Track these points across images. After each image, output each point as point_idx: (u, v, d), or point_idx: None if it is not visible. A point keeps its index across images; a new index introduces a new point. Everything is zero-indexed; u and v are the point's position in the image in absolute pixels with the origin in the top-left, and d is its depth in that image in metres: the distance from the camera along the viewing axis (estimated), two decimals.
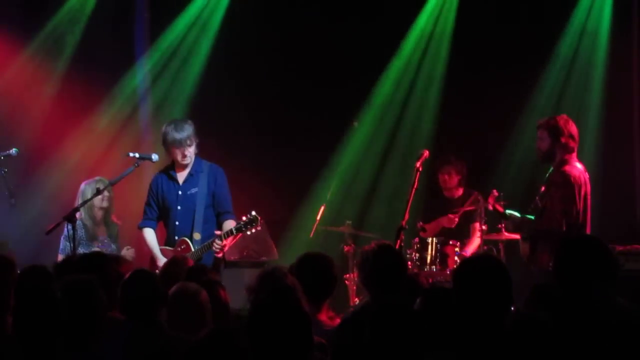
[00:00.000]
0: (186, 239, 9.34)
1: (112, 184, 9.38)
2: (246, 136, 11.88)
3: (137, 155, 9.23)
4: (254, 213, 9.10)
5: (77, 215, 9.17)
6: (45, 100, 11.59)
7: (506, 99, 11.24)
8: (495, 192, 9.46)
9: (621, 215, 10.85)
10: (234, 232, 9.14)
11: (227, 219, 9.40)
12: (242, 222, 9.12)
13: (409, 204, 8.99)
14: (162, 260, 9.19)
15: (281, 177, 11.88)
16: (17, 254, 8.57)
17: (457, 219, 10.68)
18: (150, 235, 9.50)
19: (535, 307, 5.72)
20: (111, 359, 5.30)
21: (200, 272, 6.79)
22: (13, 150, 9.76)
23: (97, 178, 9.63)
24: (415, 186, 9.13)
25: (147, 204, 9.59)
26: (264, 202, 11.41)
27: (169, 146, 9.42)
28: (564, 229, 8.56)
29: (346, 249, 10.89)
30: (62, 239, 9.43)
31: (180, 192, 9.45)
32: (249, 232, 9.16)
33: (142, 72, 12.07)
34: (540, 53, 11.41)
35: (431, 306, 5.12)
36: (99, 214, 9.66)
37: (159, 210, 9.54)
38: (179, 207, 9.43)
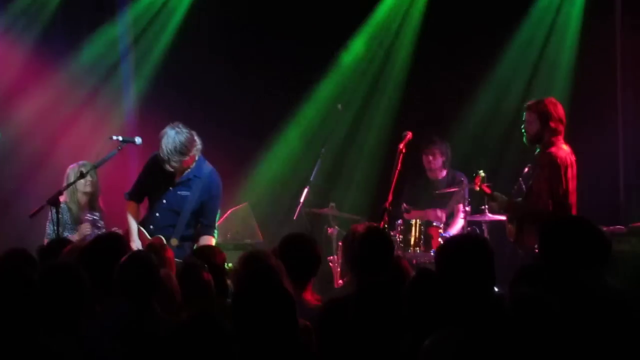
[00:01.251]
0: (163, 238, 8.84)
1: (94, 167, 9.33)
2: (227, 121, 11.87)
3: (120, 138, 9.14)
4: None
5: (62, 199, 9.13)
6: (24, 80, 11.51)
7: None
8: (481, 173, 9.48)
9: (605, 197, 10.89)
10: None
11: (205, 233, 9.01)
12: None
13: (393, 185, 9.02)
14: (135, 242, 8.95)
15: (264, 159, 11.89)
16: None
17: (444, 217, 10.70)
18: (133, 209, 9.19)
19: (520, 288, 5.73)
20: (104, 340, 5.27)
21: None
22: None
23: (81, 162, 9.58)
24: (399, 168, 9.16)
25: (138, 178, 9.29)
26: (246, 184, 11.47)
27: (169, 161, 8.87)
28: (551, 209, 8.58)
29: (330, 230, 10.90)
30: (47, 223, 9.37)
31: (171, 188, 9.06)
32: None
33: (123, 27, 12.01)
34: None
35: (419, 288, 5.14)
36: (82, 198, 9.61)
37: (147, 190, 9.20)
38: (164, 201, 9.08)
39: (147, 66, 12.03)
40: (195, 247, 8.73)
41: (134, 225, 9.14)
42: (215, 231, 9.08)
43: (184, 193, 9.02)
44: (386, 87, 12.04)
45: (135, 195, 9.26)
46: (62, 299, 5.17)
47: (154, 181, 9.14)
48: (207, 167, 9.13)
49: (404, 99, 11.91)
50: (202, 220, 9.02)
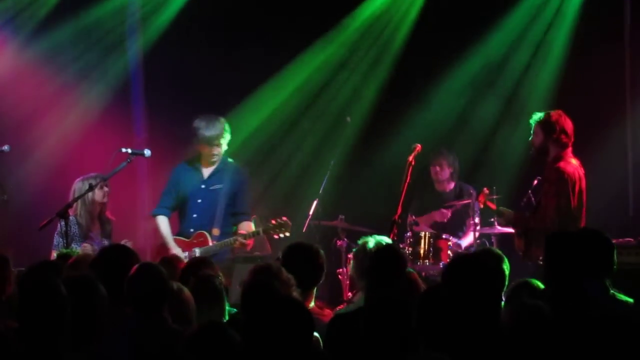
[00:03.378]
0: (205, 232, 9.51)
1: (105, 179, 9.35)
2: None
3: (129, 150, 9.23)
4: (285, 219, 9.31)
5: (71, 211, 9.14)
6: (34, 92, 11.53)
7: None
8: (485, 190, 9.51)
9: (614, 209, 10.86)
10: (261, 234, 9.35)
11: (243, 220, 9.61)
12: (270, 225, 9.31)
13: (402, 198, 9.04)
14: (175, 249, 9.40)
15: (273, 172, 11.89)
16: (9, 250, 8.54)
17: (449, 214, 10.70)
18: (164, 223, 9.69)
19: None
20: (116, 353, 5.27)
21: (195, 266, 6.78)
22: (5, 147, 9.74)
23: (89, 175, 9.56)
24: (407, 180, 9.19)
25: (165, 192, 9.79)
26: (255, 196, 11.44)
27: (199, 142, 9.63)
28: (559, 224, 8.58)
29: (339, 243, 10.88)
30: (55, 235, 9.38)
31: (203, 186, 9.65)
32: (276, 236, 9.35)
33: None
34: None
35: (429, 303, 5.13)
36: (97, 209, 9.60)
37: (176, 200, 9.69)
38: (199, 201, 9.61)
39: (158, 77, 12.02)
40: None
41: (169, 236, 9.59)
42: (253, 220, 9.59)
43: (216, 187, 9.59)
44: (394, 98, 12.03)
45: (163, 208, 9.71)
46: (82, 312, 5.17)
47: (183, 188, 9.66)
48: (233, 161, 9.76)
49: (413, 110, 11.90)
50: (237, 210, 9.54)
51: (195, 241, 9.54)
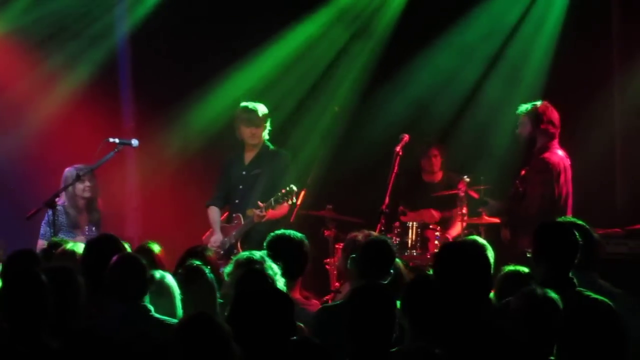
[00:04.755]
0: (239, 215, 9.81)
1: (92, 169, 9.33)
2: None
3: (117, 140, 9.23)
4: (292, 186, 9.52)
5: (59, 201, 9.12)
6: (19, 80, 11.49)
7: None
8: (466, 178, 9.55)
9: (601, 199, 10.88)
10: (273, 203, 9.53)
11: (282, 202, 9.72)
12: (279, 194, 9.52)
13: (390, 188, 9.05)
14: (215, 235, 9.82)
15: None
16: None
17: (438, 217, 10.70)
18: (213, 212, 9.98)
19: (509, 292, 5.72)
20: (103, 341, 5.28)
21: (184, 258, 6.78)
22: None
23: (78, 166, 9.50)
24: (395, 170, 9.22)
25: (217, 183, 10.10)
26: None
27: (238, 124, 9.90)
28: (544, 214, 8.62)
29: (327, 233, 10.88)
30: (43, 224, 9.38)
31: (244, 172, 9.93)
32: (286, 203, 9.58)
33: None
34: None
35: (416, 293, 5.15)
36: (81, 202, 9.58)
37: (226, 190, 9.99)
38: (240, 187, 9.90)
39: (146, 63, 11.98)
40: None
41: (215, 224, 9.93)
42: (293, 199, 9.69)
43: (256, 171, 9.88)
44: (382, 88, 12.01)
45: (215, 198, 10.03)
46: (62, 301, 5.24)
47: (230, 177, 9.98)
48: (274, 148, 10.00)
49: (399, 100, 11.88)
50: (276, 192, 9.62)
51: (233, 225, 9.82)
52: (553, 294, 5.11)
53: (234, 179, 9.98)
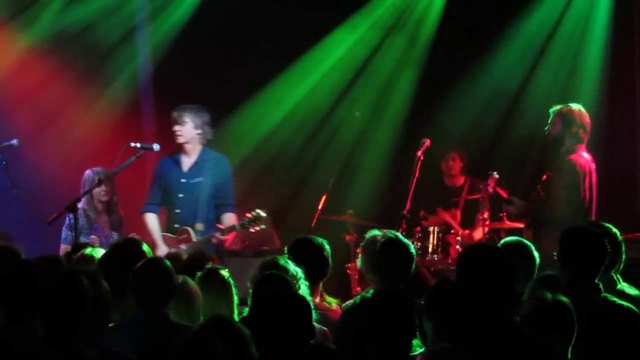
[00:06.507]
0: (188, 228, 9.41)
1: (112, 174, 9.37)
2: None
3: (138, 145, 9.25)
4: (258, 211, 9.15)
5: (80, 204, 9.16)
6: (43, 86, 11.54)
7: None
8: (495, 175, 9.47)
9: (623, 204, 10.84)
10: (237, 228, 9.22)
11: (227, 212, 9.47)
12: (246, 219, 9.16)
13: (411, 192, 9.04)
14: (162, 247, 9.33)
15: (282, 165, 11.88)
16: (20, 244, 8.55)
17: (459, 216, 10.68)
18: (151, 220, 9.59)
19: None
20: (121, 347, 5.25)
21: (202, 260, 6.77)
22: (14, 141, 9.77)
23: (97, 169, 9.54)
24: (416, 175, 9.21)
25: (151, 187, 9.71)
26: (265, 191, 11.44)
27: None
28: (568, 217, 8.59)
29: (348, 238, 10.88)
30: (64, 228, 9.41)
31: (183, 180, 9.52)
32: (252, 230, 9.20)
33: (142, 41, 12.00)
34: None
35: (439, 297, 5.13)
36: (99, 205, 9.63)
37: (162, 196, 9.63)
38: (180, 195, 9.50)
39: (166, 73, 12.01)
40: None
41: (156, 233, 9.47)
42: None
43: (197, 180, 9.43)
44: (401, 92, 11.98)
45: (151, 204, 9.62)
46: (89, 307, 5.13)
47: (166, 183, 9.54)
48: (212, 152, 9.57)
49: (420, 105, 11.85)
50: (220, 202, 9.41)
51: (180, 238, 9.42)
52: (564, 299, 5.09)
53: (172, 186, 9.55)
